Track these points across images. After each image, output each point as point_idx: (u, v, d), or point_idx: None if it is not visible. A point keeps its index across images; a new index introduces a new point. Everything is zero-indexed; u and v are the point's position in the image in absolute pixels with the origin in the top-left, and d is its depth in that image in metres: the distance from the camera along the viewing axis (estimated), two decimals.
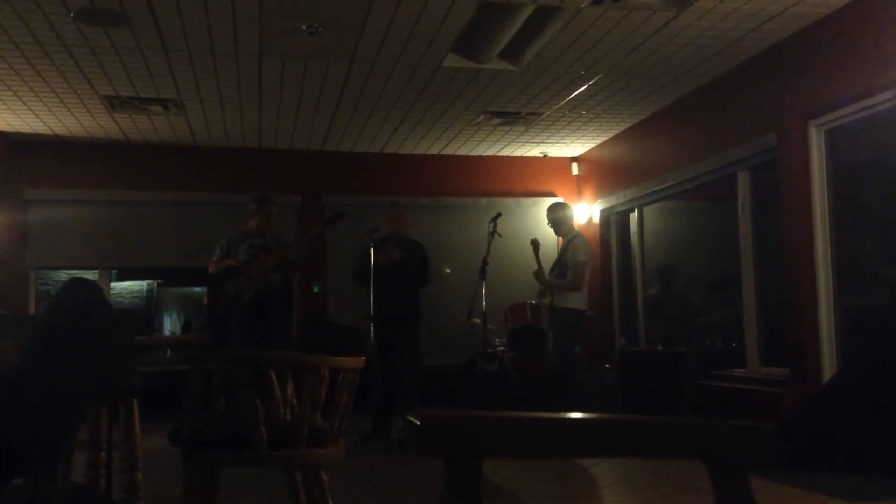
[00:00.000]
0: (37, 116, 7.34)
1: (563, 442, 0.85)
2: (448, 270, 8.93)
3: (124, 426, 2.61)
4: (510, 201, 8.92)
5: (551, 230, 6.80)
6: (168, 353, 9.06)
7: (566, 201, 9.20)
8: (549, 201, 9.10)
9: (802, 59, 5.52)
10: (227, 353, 3.54)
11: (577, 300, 6.37)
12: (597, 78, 6.41)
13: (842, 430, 3.68)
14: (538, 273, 6.58)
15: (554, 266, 6.58)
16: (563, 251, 6.55)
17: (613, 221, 8.71)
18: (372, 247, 5.99)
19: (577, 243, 6.47)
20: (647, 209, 8.11)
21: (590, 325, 8.17)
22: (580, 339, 6.85)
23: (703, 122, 6.78)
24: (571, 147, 8.83)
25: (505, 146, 8.73)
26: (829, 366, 5.32)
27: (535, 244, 6.69)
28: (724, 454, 0.85)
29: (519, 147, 8.78)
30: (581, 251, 6.40)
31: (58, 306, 1.04)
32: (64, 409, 1.07)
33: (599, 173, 8.84)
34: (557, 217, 6.64)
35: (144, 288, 13.02)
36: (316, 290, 8.53)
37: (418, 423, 0.84)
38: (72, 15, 5.02)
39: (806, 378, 5.42)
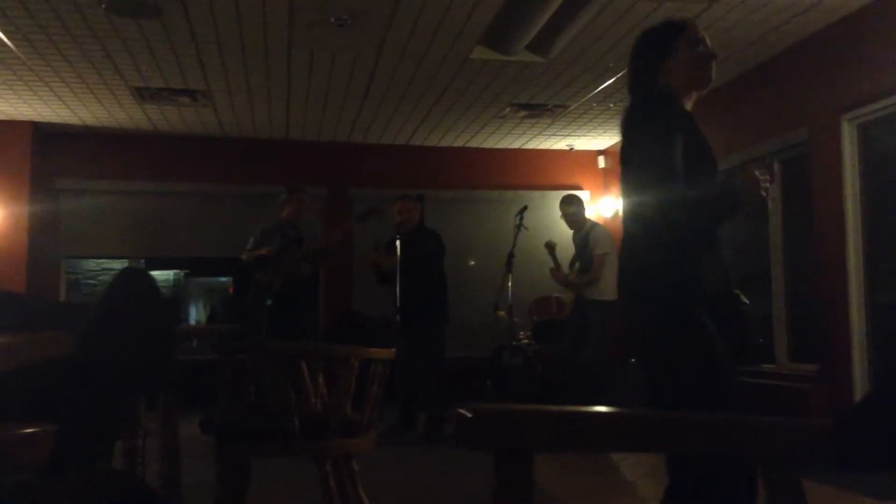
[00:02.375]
0: (67, 107, 7.42)
1: (616, 437, 0.84)
2: (472, 263, 8.92)
3: (163, 415, 2.64)
4: (536, 194, 8.88)
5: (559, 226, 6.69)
6: (195, 343, 9.15)
7: (582, 194, 9.20)
8: (576, 194, 9.12)
9: (835, 53, 5.45)
10: (259, 344, 3.57)
11: (610, 291, 6.33)
12: (626, 70, 6.34)
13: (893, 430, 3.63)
14: (556, 272, 6.48)
15: (574, 260, 6.47)
16: (584, 243, 6.43)
17: None
18: (399, 240, 5.99)
19: (599, 233, 6.41)
20: None
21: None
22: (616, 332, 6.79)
23: (732, 117, 6.71)
24: (598, 140, 8.78)
25: (531, 139, 8.70)
26: (858, 362, 5.26)
27: (550, 247, 6.57)
28: (776, 452, 0.84)
29: (545, 140, 8.74)
30: (603, 242, 6.36)
31: (113, 296, 1.06)
32: (119, 397, 1.09)
33: None
34: (577, 211, 6.55)
35: (172, 277, 13.16)
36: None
37: (470, 416, 0.84)
38: (104, 6, 5.06)
39: (836, 374, 5.36)
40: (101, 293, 1.14)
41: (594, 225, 6.57)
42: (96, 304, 1.07)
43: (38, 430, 0.85)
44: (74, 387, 0.95)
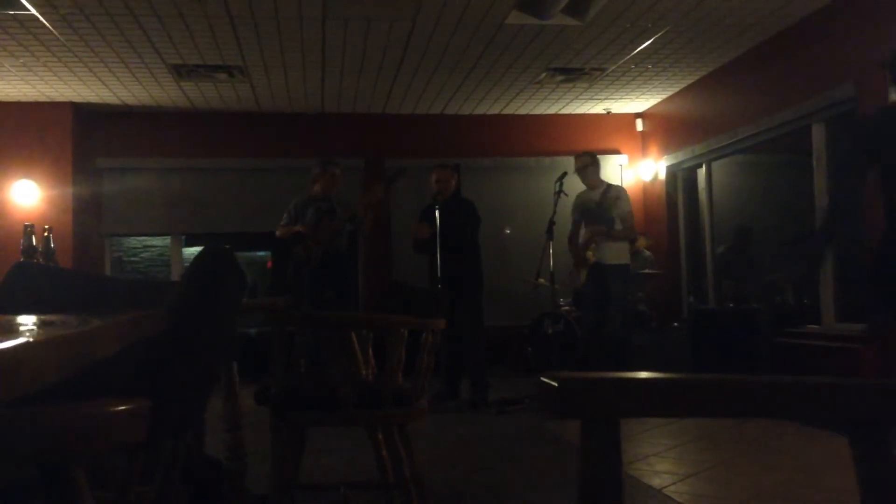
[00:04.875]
0: (106, 87, 7.49)
1: (704, 403, 0.84)
2: (508, 231, 8.89)
3: (225, 387, 2.69)
4: (573, 160, 8.77)
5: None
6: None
7: (620, 158, 9.10)
8: (614, 159, 9.04)
9: (882, 3, 5.29)
10: (312, 316, 3.61)
11: (626, 255, 6.27)
12: (665, 30, 6.24)
13: None
14: (595, 229, 6.29)
15: (591, 220, 6.29)
16: (603, 204, 6.24)
17: (680, 178, 8.54)
18: (437, 209, 5.98)
19: (620, 194, 6.30)
20: (715, 164, 7.93)
21: (657, 282, 8.11)
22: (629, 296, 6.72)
23: (776, 73, 6.57)
24: (636, 103, 8.66)
25: (567, 104, 8.61)
26: None
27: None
28: (869, 417, 0.83)
29: (582, 104, 8.64)
30: (627, 201, 6.30)
31: (197, 273, 1.08)
32: (208, 371, 1.11)
33: (665, 129, 8.66)
34: (591, 165, 6.44)
35: None
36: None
37: (556, 384, 0.84)
38: None
39: (886, 334, 5.27)
40: (186, 270, 1.16)
41: (611, 185, 6.46)
42: (181, 281, 1.09)
43: (133, 406, 0.87)
44: (166, 362, 0.97)
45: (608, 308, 6.19)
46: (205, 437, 2.61)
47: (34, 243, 2.91)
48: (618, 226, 6.20)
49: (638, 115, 9.09)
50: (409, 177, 6.53)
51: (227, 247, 1.13)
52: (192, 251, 12.88)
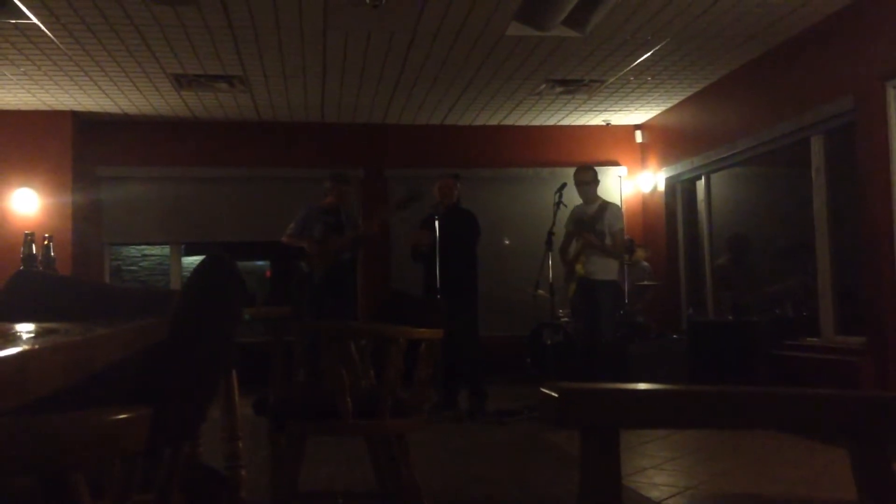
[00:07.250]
0: (107, 96, 7.51)
1: (703, 415, 0.84)
2: (507, 241, 8.90)
3: (224, 397, 2.69)
4: (572, 171, 8.77)
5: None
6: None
7: (619, 170, 9.11)
8: (613, 170, 9.06)
9: (881, 17, 5.31)
10: (311, 326, 3.61)
11: (615, 272, 6.29)
12: (664, 42, 6.26)
13: None
14: (587, 237, 6.30)
15: (575, 235, 6.33)
16: (596, 219, 6.31)
17: (679, 189, 8.55)
18: (437, 219, 5.99)
19: (614, 211, 6.36)
20: (714, 176, 7.94)
21: (655, 294, 8.11)
22: (619, 312, 6.72)
23: (775, 85, 6.59)
24: (635, 114, 8.68)
25: (567, 115, 8.63)
26: None
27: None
28: (868, 429, 0.83)
29: (581, 116, 8.66)
30: (620, 219, 6.36)
31: (198, 282, 1.08)
32: (208, 380, 1.11)
33: (665, 141, 8.67)
34: (593, 183, 6.48)
35: None
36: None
37: (556, 395, 0.84)
38: None
39: (885, 347, 5.28)
40: (187, 279, 1.17)
41: (608, 203, 6.50)
42: (182, 290, 1.09)
43: (133, 414, 0.87)
44: (167, 370, 0.97)
45: (597, 322, 6.22)
46: (197, 447, 2.60)
47: (34, 252, 2.92)
48: (608, 241, 6.22)
49: (637, 126, 9.11)
50: (422, 200, 6.33)
51: (227, 256, 1.13)
52: (192, 260, 12.90)
